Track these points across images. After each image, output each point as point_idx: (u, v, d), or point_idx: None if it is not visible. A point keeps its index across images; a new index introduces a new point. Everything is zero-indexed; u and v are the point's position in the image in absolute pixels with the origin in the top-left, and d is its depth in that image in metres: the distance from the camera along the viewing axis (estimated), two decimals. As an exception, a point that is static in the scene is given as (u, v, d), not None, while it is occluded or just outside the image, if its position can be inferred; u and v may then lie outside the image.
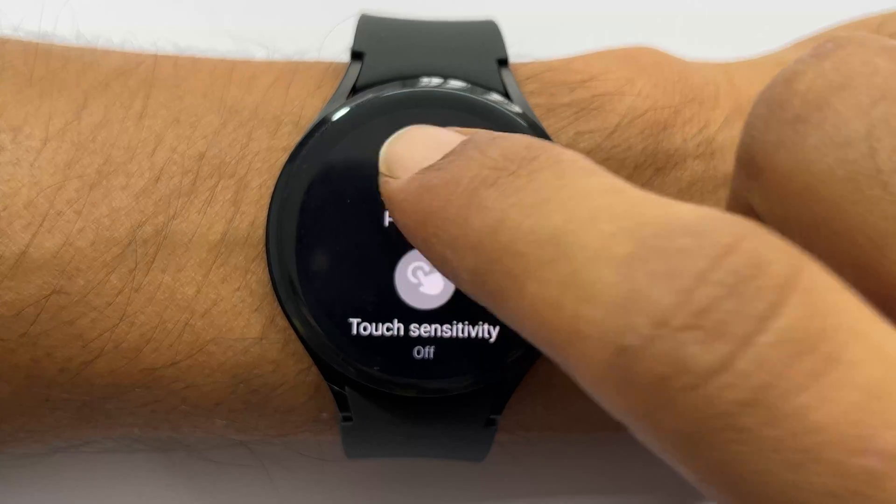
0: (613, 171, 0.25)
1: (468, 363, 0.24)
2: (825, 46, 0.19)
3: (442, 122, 0.24)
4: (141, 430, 0.26)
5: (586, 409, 0.26)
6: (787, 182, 0.18)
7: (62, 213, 0.23)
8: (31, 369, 0.24)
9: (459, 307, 0.24)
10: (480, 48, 0.25)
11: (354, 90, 0.25)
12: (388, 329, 0.24)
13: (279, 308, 0.24)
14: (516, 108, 0.24)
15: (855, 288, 0.16)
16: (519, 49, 0.26)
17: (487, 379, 0.24)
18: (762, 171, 0.18)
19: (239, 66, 0.26)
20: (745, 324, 0.15)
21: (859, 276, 0.17)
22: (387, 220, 0.24)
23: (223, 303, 0.24)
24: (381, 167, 0.21)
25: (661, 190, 0.25)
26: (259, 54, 0.27)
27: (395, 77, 0.25)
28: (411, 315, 0.24)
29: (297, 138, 0.24)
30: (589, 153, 0.25)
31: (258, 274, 0.24)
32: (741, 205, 0.20)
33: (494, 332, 0.24)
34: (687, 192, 0.25)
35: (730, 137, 0.25)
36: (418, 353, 0.24)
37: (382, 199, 0.21)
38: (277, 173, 0.24)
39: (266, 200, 0.24)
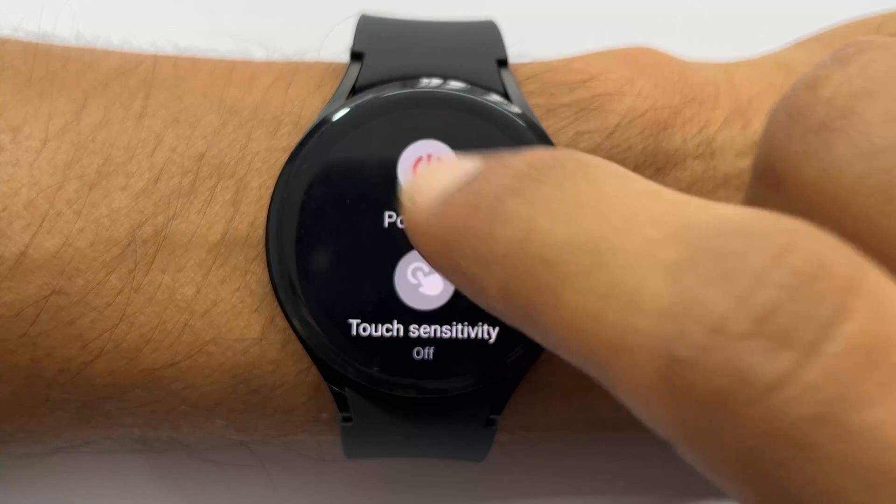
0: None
1: (468, 363, 0.24)
2: (846, 51, 0.18)
3: (442, 123, 0.24)
4: (141, 430, 0.26)
5: (586, 408, 0.26)
6: (813, 192, 0.17)
7: (62, 214, 0.23)
8: (30, 369, 0.24)
9: (459, 308, 0.24)
10: (480, 49, 0.25)
11: (354, 91, 0.25)
12: (387, 330, 0.24)
13: (279, 308, 0.24)
14: (516, 109, 0.24)
15: None
16: (519, 49, 0.26)
17: (487, 379, 0.24)
18: (784, 180, 0.17)
19: (239, 67, 0.26)
20: (810, 330, 0.14)
21: None
22: (386, 220, 0.24)
23: (223, 303, 0.24)
24: (404, 199, 0.19)
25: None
26: (259, 54, 0.27)
27: (395, 77, 0.25)
28: (411, 316, 0.24)
29: (297, 138, 0.24)
30: (588, 153, 0.25)
31: (258, 274, 0.24)
32: None
33: (494, 333, 0.24)
34: (687, 193, 0.25)
35: (729, 137, 0.25)
36: (418, 353, 0.24)
37: (407, 233, 0.19)
38: (277, 173, 0.24)
39: (266, 201, 0.24)
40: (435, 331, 0.24)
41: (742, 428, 0.14)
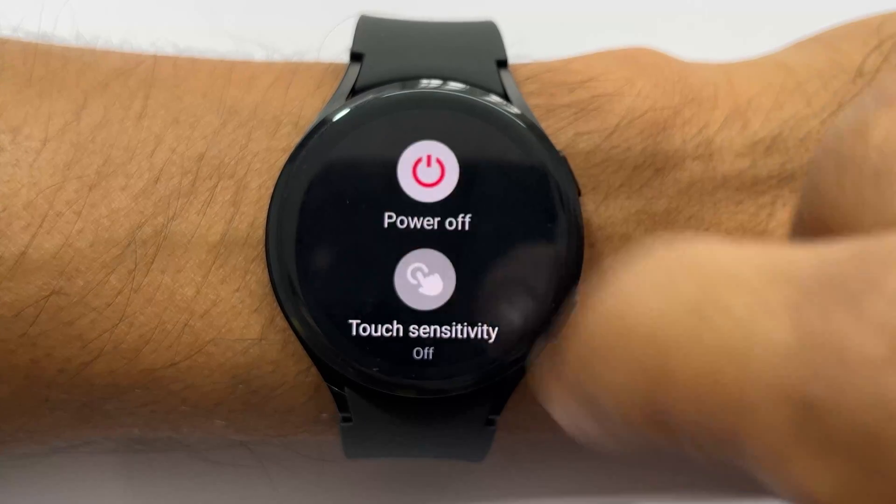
0: (612, 172, 0.25)
1: (468, 364, 0.24)
2: (889, 91, 0.17)
3: (441, 123, 0.24)
4: (141, 430, 0.26)
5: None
6: None
7: (61, 214, 0.24)
8: (30, 370, 0.24)
9: (459, 308, 0.24)
10: (480, 49, 0.25)
11: (354, 91, 0.25)
12: (387, 330, 0.24)
13: (279, 309, 0.24)
14: (515, 110, 0.24)
15: None
16: (519, 49, 0.26)
17: (487, 379, 0.24)
18: (839, 232, 0.16)
19: (238, 67, 0.26)
20: None
21: None
22: (386, 220, 0.24)
23: (222, 303, 0.24)
24: None
25: (661, 191, 0.25)
26: (259, 55, 0.27)
27: (395, 78, 0.25)
28: (411, 316, 0.24)
29: (297, 139, 0.24)
30: (588, 154, 0.25)
31: (258, 274, 0.24)
32: None
33: (493, 333, 0.24)
34: (686, 194, 0.25)
35: (728, 138, 0.25)
36: (418, 353, 0.24)
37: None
38: (277, 174, 0.24)
39: (265, 201, 0.24)
40: (435, 331, 0.24)
41: None
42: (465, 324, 0.24)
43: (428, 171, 0.24)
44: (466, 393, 0.24)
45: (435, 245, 0.24)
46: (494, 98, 0.24)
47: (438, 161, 0.24)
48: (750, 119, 0.25)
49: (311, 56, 0.27)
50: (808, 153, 0.25)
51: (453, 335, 0.24)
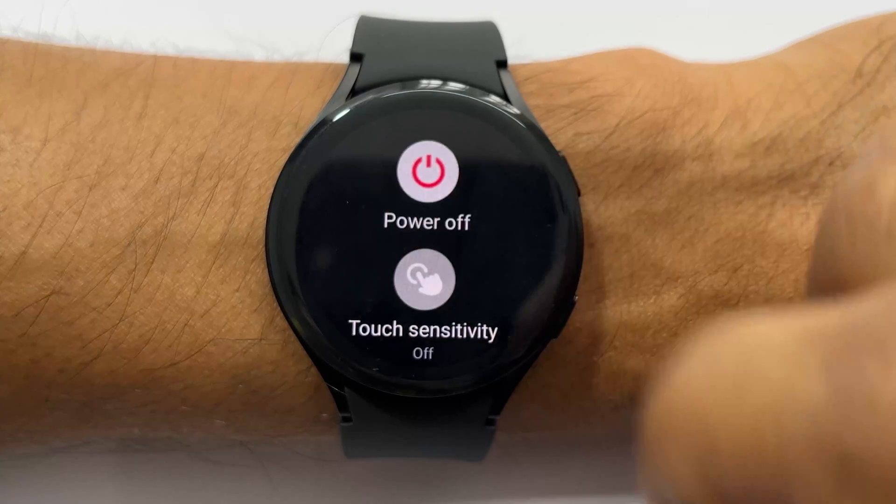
0: (612, 173, 0.25)
1: (467, 364, 0.24)
2: (893, 143, 0.16)
3: (441, 124, 0.24)
4: (141, 430, 0.26)
5: (585, 409, 0.26)
6: None
7: (62, 214, 0.24)
8: (30, 370, 0.24)
9: (458, 308, 0.24)
10: (479, 50, 0.25)
11: (354, 91, 0.25)
12: (387, 330, 0.24)
13: (279, 309, 0.24)
14: (515, 110, 0.24)
15: None
16: (519, 49, 0.26)
17: (487, 379, 0.24)
18: (853, 288, 0.16)
19: (238, 67, 0.26)
20: None
21: None
22: (386, 221, 0.24)
23: (222, 303, 0.24)
24: None
25: (660, 191, 0.25)
26: (259, 55, 0.27)
27: (395, 79, 0.25)
28: (410, 316, 0.24)
29: (297, 139, 0.24)
30: (588, 154, 0.25)
31: (258, 275, 0.24)
32: None
33: (493, 333, 0.24)
34: (685, 194, 0.25)
35: (728, 139, 0.25)
36: (417, 353, 0.24)
37: None
38: (277, 174, 0.24)
39: (265, 201, 0.24)
40: (434, 331, 0.24)
41: None
42: (465, 324, 0.24)
43: (428, 171, 0.24)
44: (466, 393, 0.24)
45: (435, 245, 0.24)
46: (494, 98, 0.24)
47: (438, 161, 0.24)
48: (749, 119, 0.25)
49: (311, 56, 0.27)
50: (808, 153, 0.25)
51: (453, 335, 0.24)
